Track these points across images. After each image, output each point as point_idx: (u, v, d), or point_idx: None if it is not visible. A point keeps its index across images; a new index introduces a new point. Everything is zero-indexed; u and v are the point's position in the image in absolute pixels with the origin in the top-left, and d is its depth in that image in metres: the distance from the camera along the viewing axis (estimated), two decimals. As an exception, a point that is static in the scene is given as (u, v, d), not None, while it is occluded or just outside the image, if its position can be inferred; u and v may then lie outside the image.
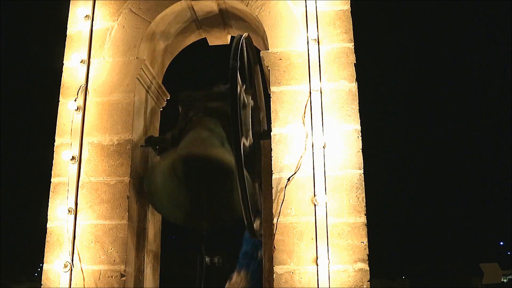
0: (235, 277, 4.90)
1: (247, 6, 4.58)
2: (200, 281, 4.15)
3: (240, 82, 4.00)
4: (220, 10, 4.89)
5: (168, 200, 4.49)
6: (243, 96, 4.31)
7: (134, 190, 4.36)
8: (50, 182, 4.34)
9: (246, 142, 4.25)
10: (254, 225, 3.99)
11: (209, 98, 4.77)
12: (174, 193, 4.51)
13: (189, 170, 4.50)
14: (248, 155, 4.29)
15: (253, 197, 4.47)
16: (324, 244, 3.84)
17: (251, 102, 4.62)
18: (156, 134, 5.00)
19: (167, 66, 5.43)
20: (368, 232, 3.90)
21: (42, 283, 4.12)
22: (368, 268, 3.82)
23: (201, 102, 4.77)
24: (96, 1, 4.76)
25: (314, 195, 3.95)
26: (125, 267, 4.09)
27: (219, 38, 5.40)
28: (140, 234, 4.41)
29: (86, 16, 4.69)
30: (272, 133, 4.18)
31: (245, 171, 3.58)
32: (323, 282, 3.77)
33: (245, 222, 3.76)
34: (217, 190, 4.54)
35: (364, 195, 3.97)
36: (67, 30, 4.75)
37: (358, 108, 4.16)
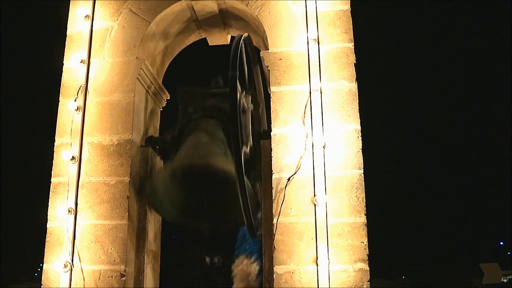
0: (239, 262, 4.92)
1: (247, 6, 4.58)
2: (200, 281, 4.14)
3: (240, 88, 3.99)
4: (220, 10, 4.89)
5: (169, 204, 4.50)
6: (243, 102, 4.29)
7: (134, 190, 4.36)
8: (50, 182, 4.34)
9: (246, 149, 4.23)
10: (255, 225, 3.98)
11: (208, 95, 4.76)
12: (174, 196, 4.51)
13: (189, 178, 4.51)
14: (249, 159, 4.30)
15: (254, 198, 4.47)
16: (324, 244, 3.84)
17: (251, 106, 4.61)
18: (156, 134, 4.99)
19: (167, 66, 5.43)
20: (368, 232, 3.90)
21: (42, 283, 4.12)
22: (368, 268, 3.82)
23: (200, 99, 4.76)
24: (96, 1, 4.76)
25: (314, 195, 3.95)
26: (125, 267, 4.09)
27: (219, 38, 5.40)
28: (140, 234, 4.41)
29: (86, 16, 4.69)
30: (272, 133, 4.18)
31: (245, 180, 3.58)
32: (323, 282, 3.77)
33: (246, 223, 3.76)
34: (218, 193, 4.54)
35: (364, 195, 3.97)
36: (67, 30, 4.75)
37: (358, 108, 4.16)
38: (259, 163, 4.46)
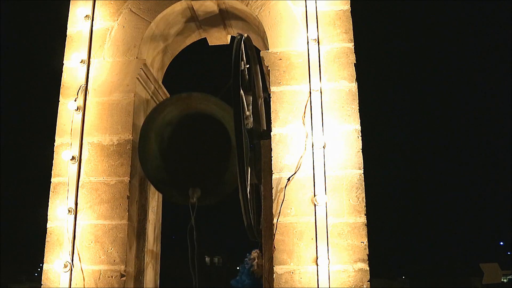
0: None
1: (247, 6, 4.58)
2: (193, 255, 4.00)
3: (244, 59, 3.94)
4: (220, 10, 4.89)
5: (159, 161, 4.39)
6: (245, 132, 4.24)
7: (134, 190, 4.35)
8: (50, 182, 4.34)
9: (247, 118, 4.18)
10: (254, 224, 3.96)
11: None
12: (166, 153, 4.42)
13: (183, 127, 4.45)
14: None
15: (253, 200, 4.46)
16: (324, 244, 3.84)
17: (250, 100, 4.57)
18: (156, 134, 4.98)
19: (167, 66, 5.43)
20: (368, 232, 3.90)
21: (42, 283, 4.12)
22: (368, 268, 3.82)
23: None
24: (96, 1, 4.76)
25: (314, 195, 3.95)
26: (125, 267, 4.09)
27: (219, 38, 5.40)
28: (140, 234, 4.41)
29: (86, 16, 4.69)
30: (272, 133, 4.18)
31: (247, 177, 3.56)
32: (323, 282, 3.77)
33: (245, 224, 3.75)
34: (212, 158, 4.45)
35: (364, 195, 3.97)
36: (67, 30, 4.75)
37: (358, 108, 4.16)
38: (259, 162, 4.46)
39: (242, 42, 3.92)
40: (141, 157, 4.33)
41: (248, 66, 4.28)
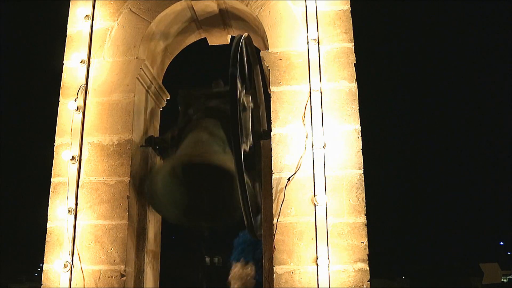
0: (236, 267, 4.93)
1: (247, 6, 4.58)
2: (202, 281, 4.11)
3: (240, 87, 3.99)
4: (220, 10, 4.89)
5: (168, 201, 4.52)
6: (243, 100, 4.31)
7: (134, 190, 4.36)
8: (50, 182, 4.34)
9: (246, 147, 4.24)
10: (255, 225, 3.98)
11: (208, 97, 4.79)
12: (174, 194, 4.55)
13: (189, 176, 4.56)
14: (249, 157, 4.28)
15: (254, 198, 4.47)
16: (324, 244, 3.84)
17: (251, 104, 4.61)
18: (156, 134, 4.99)
19: (167, 66, 5.43)
20: (368, 232, 3.90)
21: (42, 283, 4.12)
22: (368, 268, 3.82)
23: (200, 100, 4.79)
24: (96, 1, 4.76)
25: (314, 195, 3.95)
26: (125, 267, 4.09)
27: (219, 38, 5.40)
28: (140, 234, 4.41)
29: (86, 16, 4.69)
30: (272, 133, 4.18)
31: (245, 177, 3.57)
32: (323, 282, 3.77)
33: (246, 223, 3.76)
34: (217, 190, 4.55)
35: (364, 195, 3.97)
36: (67, 30, 4.75)
37: (358, 108, 4.16)
38: (259, 163, 4.46)
39: (242, 41, 3.93)
40: (150, 198, 4.46)
41: (247, 73, 4.33)
